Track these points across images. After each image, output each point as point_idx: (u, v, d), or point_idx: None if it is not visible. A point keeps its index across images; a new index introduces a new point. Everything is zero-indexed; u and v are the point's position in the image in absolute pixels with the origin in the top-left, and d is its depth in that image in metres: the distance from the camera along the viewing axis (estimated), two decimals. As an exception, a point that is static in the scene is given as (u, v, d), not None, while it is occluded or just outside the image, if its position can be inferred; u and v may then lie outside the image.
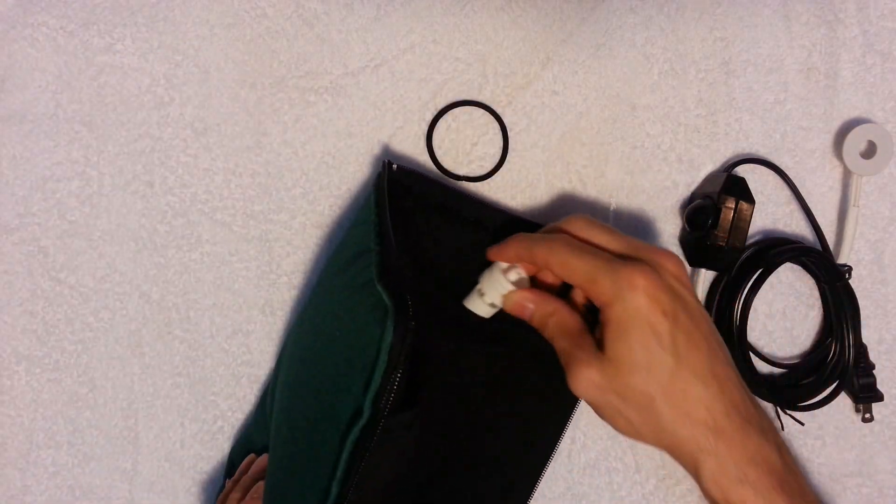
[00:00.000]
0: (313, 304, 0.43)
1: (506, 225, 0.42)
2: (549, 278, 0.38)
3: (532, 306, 0.36)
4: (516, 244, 0.37)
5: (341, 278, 0.39)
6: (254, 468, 0.43)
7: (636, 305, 0.32)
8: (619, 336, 0.33)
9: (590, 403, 0.35)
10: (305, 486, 0.36)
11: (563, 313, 0.36)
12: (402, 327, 0.32)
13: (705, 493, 0.33)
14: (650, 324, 0.32)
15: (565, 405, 0.42)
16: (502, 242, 0.37)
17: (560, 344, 0.35)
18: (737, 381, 0.33)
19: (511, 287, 0.37)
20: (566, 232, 0.36)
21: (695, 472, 0.33)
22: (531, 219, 0.45)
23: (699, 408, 0.32)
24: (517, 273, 0.37)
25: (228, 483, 0.43)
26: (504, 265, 0.38)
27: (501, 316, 0.38)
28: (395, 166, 0.41)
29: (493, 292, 0.37)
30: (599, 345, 0.34)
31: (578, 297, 0.38)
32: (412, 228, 0.40)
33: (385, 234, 0.37)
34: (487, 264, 0.38)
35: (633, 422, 0.33)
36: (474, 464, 0.40)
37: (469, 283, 0.39)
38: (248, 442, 0.45)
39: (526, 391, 0.41)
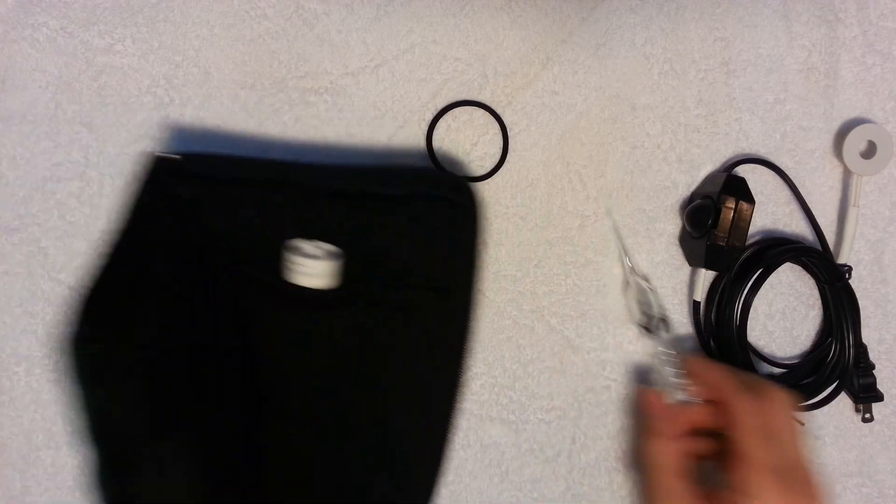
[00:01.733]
0: None
1: (289, 177, 0.41)
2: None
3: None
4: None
5: None
6: None
7: None
8: None
9: None
10: None
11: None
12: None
13: None
14: None
15: (453, 358, 0.41)
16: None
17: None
18: None
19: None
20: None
21: None
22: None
23: None
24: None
25: None
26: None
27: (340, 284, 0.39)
28: (178, 157, 0.39)
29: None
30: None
31: None
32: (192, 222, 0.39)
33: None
34: (284, 226, 0.39)
35: None
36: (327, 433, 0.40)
37: (278, 246, 0.39)
38: None
39: (394, 349, 0.40)
